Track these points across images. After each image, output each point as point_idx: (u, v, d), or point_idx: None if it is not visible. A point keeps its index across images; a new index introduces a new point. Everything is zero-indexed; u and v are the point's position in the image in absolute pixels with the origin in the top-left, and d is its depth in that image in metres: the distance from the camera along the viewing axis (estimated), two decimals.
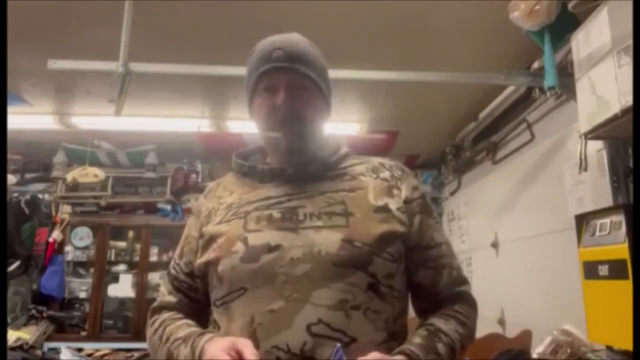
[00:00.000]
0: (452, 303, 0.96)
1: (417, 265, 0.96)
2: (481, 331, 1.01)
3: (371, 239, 0.88)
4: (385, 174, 1.00)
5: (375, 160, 1.04)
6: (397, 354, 0.83)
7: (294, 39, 1.00)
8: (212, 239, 0.94)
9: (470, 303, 0.99)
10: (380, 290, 0.88)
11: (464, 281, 1.00)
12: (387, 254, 0.89)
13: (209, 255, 0.93)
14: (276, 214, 0.92)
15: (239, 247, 0.89)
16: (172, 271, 1.03)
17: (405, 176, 1.01)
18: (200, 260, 0.96)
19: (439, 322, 0.92)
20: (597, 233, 1.70)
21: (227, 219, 0.95)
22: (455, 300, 0.97)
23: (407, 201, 0.97)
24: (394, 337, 0.88)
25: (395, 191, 0.97)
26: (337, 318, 0.83)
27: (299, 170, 0.96)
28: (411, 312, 1.01)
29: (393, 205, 0.94)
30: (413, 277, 0.97)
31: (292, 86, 0.95)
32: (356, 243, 0.87)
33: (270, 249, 0.87)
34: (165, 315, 0.99)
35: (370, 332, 0.85)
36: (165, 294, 1.03)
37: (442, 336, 0.88)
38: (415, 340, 0.87)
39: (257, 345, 0.82)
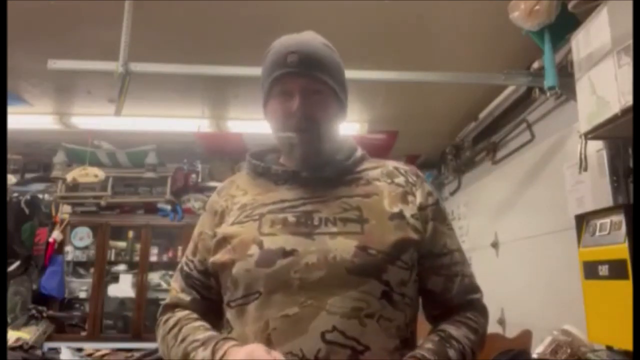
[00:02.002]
0: (463, 310, 0.95)
1: (429, 272, 0.96)
2: None
3: (386, 246, 0.88)
4: (400, 179, 0.99)
5: (390, 165, 1.03)
6: (408, 358, 0.83)
7: (309, 40, 0.98)
8: (225, 239, 0.93)
9: (481, 311, 0.98)
10: (393, 298, 0.87)
11: (476, 289, 1.00)
12: (401, 262, 0.89)
13: (223, 256, 0.92)
14: (291, 217, 0.91)
15: (254, 250, 0.89)
16: (186, 268, 1.02)
17: (420, 182, 1.00)
18: (214, 259, 0.95)
19: (450, 329, 0.91)
20: (597, 233, 1.70)
21: (240, 220, 0.94)
22: (466, 307, 0.96)
23: (421, 208, 0.96)
24: (406, 344, 0.88)
25: (410, 197, 0.96)
26: (351, 326, 0.82)
27: (314, 174, 0.96)
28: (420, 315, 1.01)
29: (408, 212, 0.94)
30: (425, 283, 0.96)
31: (306, 91, 0.94)
32: (371, 251, 0.87)
33: (286, 253, 0.87)
34: (180, 314, 0.97)
35: (383, 340, 0.85)
36: (178, 291, 1.01)
37: (454, 342, 0.88)
38: (427, 345, 0.87)
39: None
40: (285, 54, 0.94)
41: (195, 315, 0.96)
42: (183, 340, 0.90)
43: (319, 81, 0.95)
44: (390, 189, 0.96)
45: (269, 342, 0.82)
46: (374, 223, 0.90)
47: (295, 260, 0.86)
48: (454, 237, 1.01)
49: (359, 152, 1.04)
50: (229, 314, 0.92)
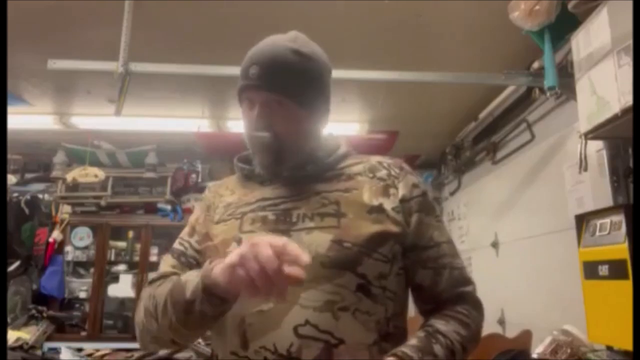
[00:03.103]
0: (453, 304, 0.94)
1: (416, 265, 0.95)
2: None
3: (362, 239, 0.87)
4: (382, 173, 0.98)
5: (374, 160, 1.02)
6: (389, 356, 0.82)
7: (277, 50, 0.95)
8: (209, 237, 0.95)
9: (473, 304, 0.96)
10: (371, 291, 0.87)
11: (467, 281, 0.97)
12: (378, 254, 0.88)
13: (206, 254, 0.94)
14: (271, 215, 0.92)
15: (233, 248, 0.88)
16: (180, 247, 1.01)
17: (403, 174, 0.99)
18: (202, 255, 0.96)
19: (438, 323, 0.90)
20: (597, 233, 1.70)
21: (224, 218, 0.96)
22: (457, 301, 0.94)
23: (403, 200, 0.95)
24: (386, 339, 0.87)
25: (391, 190, 0.95)
26: (324, 319, 0.82)
27: (295, 172, 0.96)
28: (412, 312, 1.00)
29: (388, 205, 0.93)
30: (413, 277, 0.95)
31: (267, 102, 0.94)
32: (345, 244, 0.87)
33: None
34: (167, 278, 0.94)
35: (359, 334, 0.84)
36: (168, 266, 0.98)
37: (440, 337, 0.87)
38: (411, 342, 0.86)
39: (246, 345, 0.83)
40: (248, 66, 0.95)
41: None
42: (171, 283, 0.88)
43: (280, 93, 0.94)
44: (372, 183, 0.96)
45: (244, 338, 0.83)
46: (351, 217, 0.90)
47: None
48: (443, 230, 0.99)
49: (342, 149, 1.03)
50: None
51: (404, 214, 0.94)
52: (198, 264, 0.96)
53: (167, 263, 1.00)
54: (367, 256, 0.87)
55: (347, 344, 0.82)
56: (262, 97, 0.94)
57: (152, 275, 1.01)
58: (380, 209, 0.92)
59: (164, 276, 0.95)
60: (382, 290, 0.88)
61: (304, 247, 0.85)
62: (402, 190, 0.96)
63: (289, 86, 0.94)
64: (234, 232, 0.92)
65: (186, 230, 1.04)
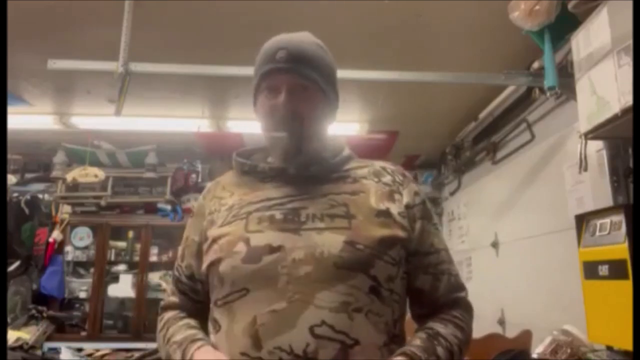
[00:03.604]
0: (449, 308, 0.97)
1: (417, 270, 0.97)
2: (481, 331, 1.01)
3: (373, 241, 0.88)
4: (387, 178, 1.00)
5: (378, 164, 1.04)
6: (398, 355, 0.84)
7: (300, 39, 0.99)
8: (214, 241, 0.94)
9: (467, 309, 1.00)
10: (382, 294, 0.88)
11: (461, 287, 1.01)
12: (388, 257, 0.90)
13: (211, 256, 0.94)
14: (278, 215, 0.91)
15: (241, 247, 0.89)
16: (175, 273, 1.06)
17: (406, 181, 1.02)
18: (204, 264, 0.96)
19: (437, 327, 0.92)
20: (597, 233, 1.70)
21: (228, 220, 0.95)
22: (453, 305, 0.98)
23: (408, 206, 0.97)
24: (394, 340, 0.89)
25: (396, 196, 0.97)
26: (340, 320, 0.83)
27: (301, 171, 0.96)
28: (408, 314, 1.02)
29: (394, 210, 0.95)
30: (413, 282, 0.97)
31: (293, 87, 0.94)
32: (358, 245, 0.87)
33: (272, 249, 0.87)
34: (169, 314, 1.03)
35: (372, 335, 0.85)
36: (169, 294, 1.07)
37: (442, 340, 0.89)
38: (415, 342, 0.88)
39: (259, 346, 0.82)
40: (275, 50, 0.95)
41: (183, 314, 1.02)
42: (168, 341, 0.96)
43: (307, 78, 0.95)
44: (377, 188, 0.97)
45: (257, 338, 0.83)
46: (361, 219, 0.91)
47: (282, 256, 0.86)
48: (440, 236, 1.03)
49: (346, 152, 1.04)
50: (217, 313, 0.92)
51: (408, 219, 0.96)
52: (191, 289, 1.03)
53: (169, 288, 1.08)
54: (378, 258, 0.88)
55: (361, 345, 0.83)
56: (289, 80, 0.95)
57: (163, 302, 1.09)
58: (387, 213, 0.94)
59: (169, 307, 1.05)
60: (390, 293, 0.90)
61: (315, 246, 0.87)
62: (406, 197, 0.98)
63: (315, 71, 0.96)
64: (240, 232, 0.91)
65: (179, 252, 1.08)
